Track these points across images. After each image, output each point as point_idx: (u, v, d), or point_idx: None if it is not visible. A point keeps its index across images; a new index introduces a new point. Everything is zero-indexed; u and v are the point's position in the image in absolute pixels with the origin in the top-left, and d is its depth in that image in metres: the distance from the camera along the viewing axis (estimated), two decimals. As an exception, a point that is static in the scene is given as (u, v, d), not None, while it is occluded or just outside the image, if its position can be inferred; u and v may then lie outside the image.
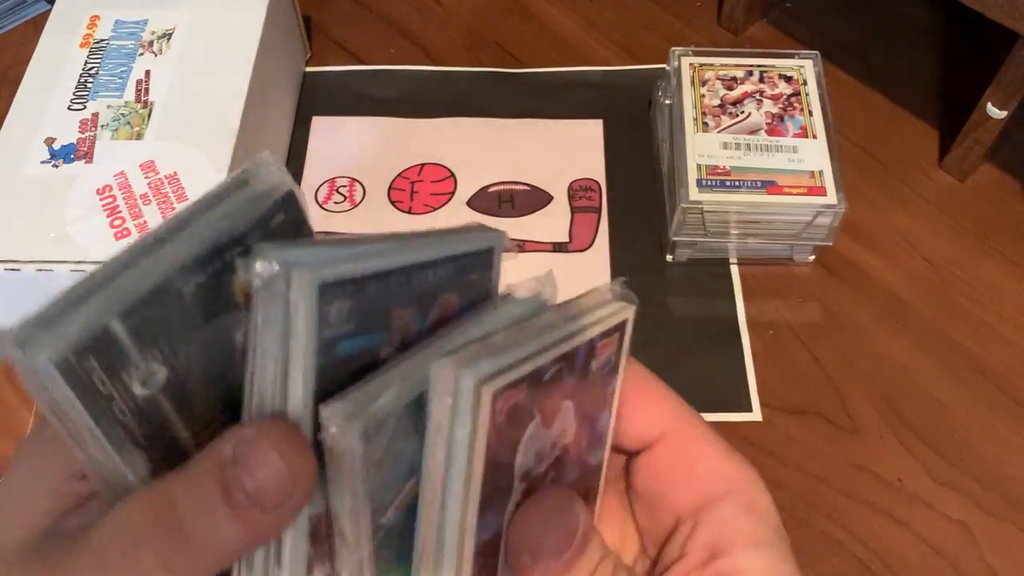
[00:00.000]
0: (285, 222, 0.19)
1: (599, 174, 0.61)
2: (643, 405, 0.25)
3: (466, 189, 0.60)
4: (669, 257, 0.57)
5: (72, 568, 0.18)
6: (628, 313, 0.24)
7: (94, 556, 0.18)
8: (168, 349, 0.18)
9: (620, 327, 0.23)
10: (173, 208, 0.48)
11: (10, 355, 0.17)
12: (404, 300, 0.20)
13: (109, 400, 0.17)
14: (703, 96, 0.57)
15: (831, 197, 0.53)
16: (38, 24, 0.57)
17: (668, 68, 0.59)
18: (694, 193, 0.53)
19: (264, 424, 0.18)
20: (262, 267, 0.18)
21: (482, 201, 0.60)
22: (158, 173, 0.49)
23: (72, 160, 0.50)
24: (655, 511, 0.25)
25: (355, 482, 0.19)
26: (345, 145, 0.62)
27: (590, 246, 0.57)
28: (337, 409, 0.18)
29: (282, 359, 0.18)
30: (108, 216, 0.48)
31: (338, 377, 0.19)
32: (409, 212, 0.59)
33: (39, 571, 0.19)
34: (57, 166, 0.50)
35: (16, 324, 0.17)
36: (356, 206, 0.59)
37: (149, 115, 0.52)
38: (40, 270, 0.46)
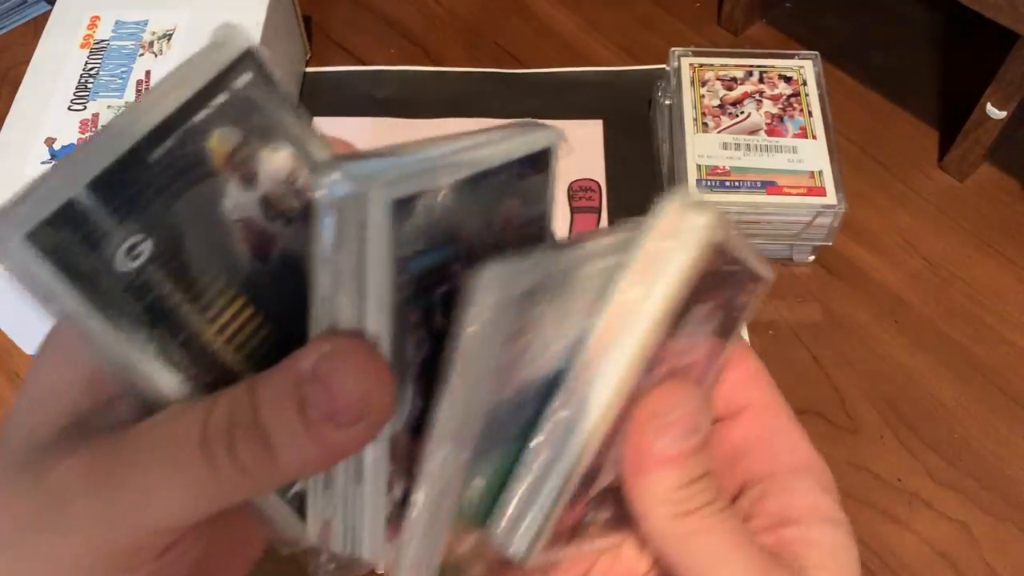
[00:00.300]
0: (253, 82, 0.19)
1: (599, 174, 0.61)
2: (740, 377, 0.26)
3: (466, 189, 0.60)
4: (669, 257, 0.57)
5: (135, 462, 0.18)
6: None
7: (160, 450, 0.18)
8: (148, 219, 0.17)
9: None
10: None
11: None
12: (470, 210, 0.20)
13: (95, 275, 0.17)
14: (703, 96, 0.57)
15: (831, 197, 0.53)
16: (38, 24, 0.57)
17: (668, 68, 0.59)
18: (694, 193, 0.53)
19: (342, 340, 0.18)
20: (330, 182, 0.17)
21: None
22: (158, 173, 0.49)
23: (72, 160, 0.50)
24: (724, 473, 0.25)
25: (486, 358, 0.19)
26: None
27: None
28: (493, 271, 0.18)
29: (357, 278, 0.18)
30: (108, 216, 0.48)
31: (412, 294, 0.19)
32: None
33: (90, 461, 0.18)
34: (57, 166, 0.50)
35: None
36: (356, 206, 0.59)
37: (149, 115, 0.52)
38: (40, 270, 0.46)
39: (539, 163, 0.22)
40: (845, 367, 0.53)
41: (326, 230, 0.18)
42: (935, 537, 0.48)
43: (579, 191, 0.60)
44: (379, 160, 0.18)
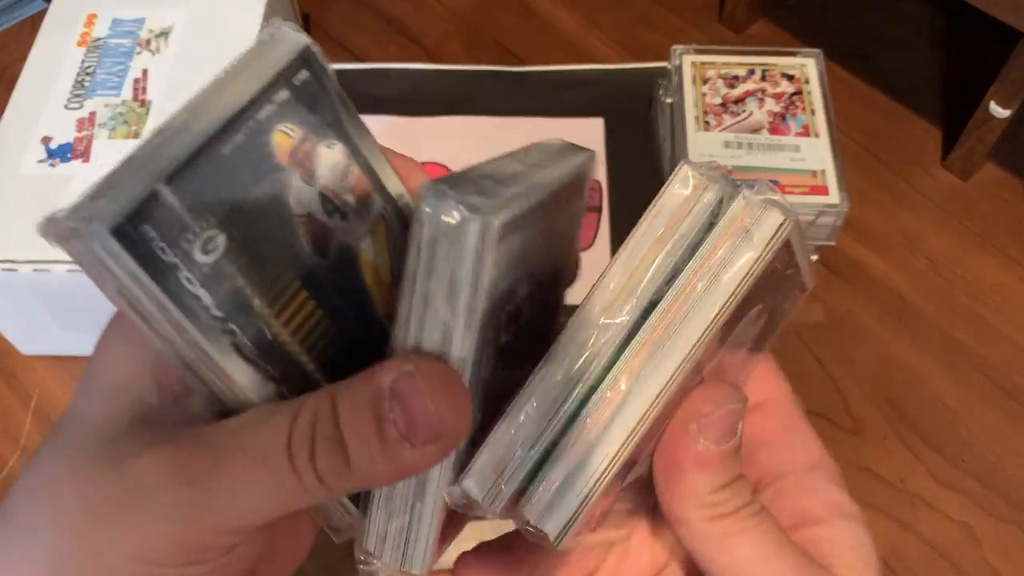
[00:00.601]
0: (310, 80, 0.19)
1: (600, 173, 0.60)
2: (756, 374, 0.26)
3: (466, 188, 0.60)
4: (670, 257, 0.57)
5: (224, 461, 0.19)
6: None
7: (248, 453, 0.19)
8: (222, 213, 0.18)
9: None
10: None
11: (64, 240, 0.17)
12: (537, 232, 0.21)
13: (175, 269, 0.17)
14: (705, 95, 0.57)
15: (833, 196, 0.52)
16: (35, 22, 0.56)
17: (669, 66, 0.59)
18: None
19: (424, 362, 0.19)
20: (435, 207, 0.18)
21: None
22: (156, 172, 0.49)
23: (69, 159, 0.50)
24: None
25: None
26: (344, 144, 0.62)
27: (591, 245, 0.57)
28: None
29: (450, 300, 0.19)
30: (105, 216, 0.47)
31: (489, 315, 0.19)
32: (409, 211, 0.59)
33: (177, 456, 0.19)
34: (54, 165, 0.49)
35: (63, 210, 0.16)
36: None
37: (147, 114, 0.51)
38: (37, 270, 0.46)
39: (579, 186, 0.24)
40: (848, 368, 0.53)
41: (425, 251, 0.18)
42: (938, 538, 0.47)
43: (580, 190, 0.59)
44: (475, 185, 0.19)
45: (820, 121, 0.55)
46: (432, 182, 0.19)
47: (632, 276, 0.21)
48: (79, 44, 0.55)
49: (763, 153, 0.54)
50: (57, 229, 0.16)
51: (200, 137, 0.17)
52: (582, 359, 0.21)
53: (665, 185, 0.22)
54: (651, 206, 0.22)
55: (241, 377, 0.19)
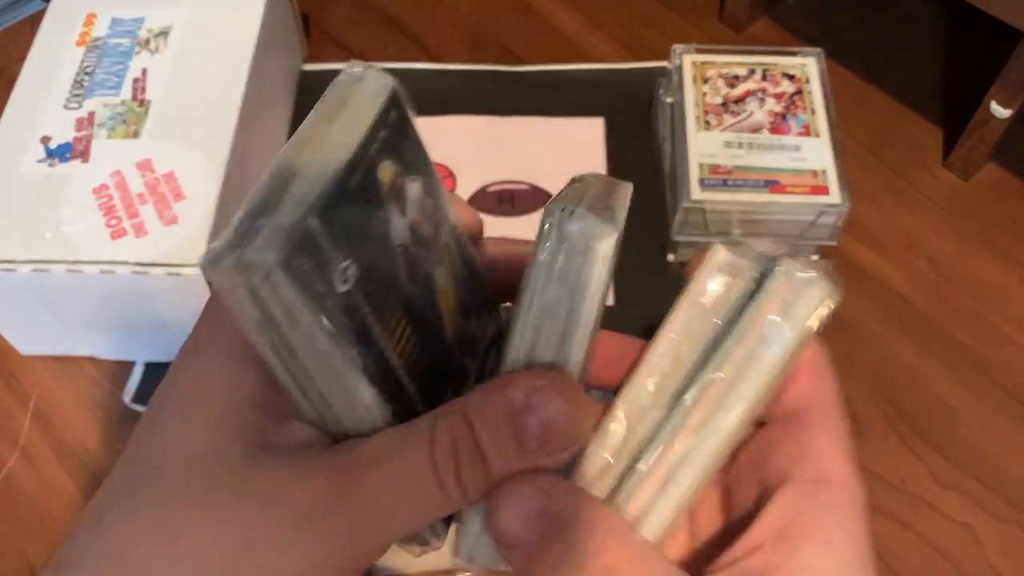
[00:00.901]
0: (398, 119, 0.21)
1: (600, 173, 0.60)
2: (807, 381, 0.25)
3: (465, 188, 0.60)
4: (671, 257, 0.57)
5: (375, 485, 0.19)
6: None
7: (397, 474, 0.19)
8: (352, 244, 0.19)
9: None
10: (170, 208, 0.47)
11: (224, 273, 0.17)
12: None
13: (324, 299, 0.18)
14: (705, 94, 0.57)
15: (834, 196, 0.52)
16: (34, 22, 0.56)
17: (670, 66, 0.59)
18: (696, 192, 0.52)
19: (553, 375, 0.20)
20: (566, 223, 0.20)
21: (481, 201, 0.59)
22: (154, 172, 0.49)
23: (68, 159, 0.49)
24: (744, 479, 0.24)
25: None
26: (344, 144, 0.62)
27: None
28: None
29: (571, 310, 0.21)
30: (104, 215, 0.47)
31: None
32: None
33: (327, 483, 0.19)
34: (53, 165, 0.49)
35: (215, 244, 0.17)
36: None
37: (146, 114, 0.51)
38: (36, 270, 0.46)
39: None
40: (848, 368, 0.53)
41: (549, 261, 0.20)
42: (939, 539, 0.47)
43: (580, 190, 0.59)
44: (590, 202, 0.21)
45: (821, 121, 0.55)
46: (557, 200, 0.21)
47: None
48: (78, 44, 0.55)
49: (763, 153, 0.54)
50: (219, 257, 0.17)
51: (334, 171, 0.18)
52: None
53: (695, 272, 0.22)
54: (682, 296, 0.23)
55: (369, 400, 0.20)
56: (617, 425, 0.22)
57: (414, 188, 0.21)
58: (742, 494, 0.24)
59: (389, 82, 0.21)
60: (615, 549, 0.21)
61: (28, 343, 0.54)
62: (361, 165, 0.19)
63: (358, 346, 0.19)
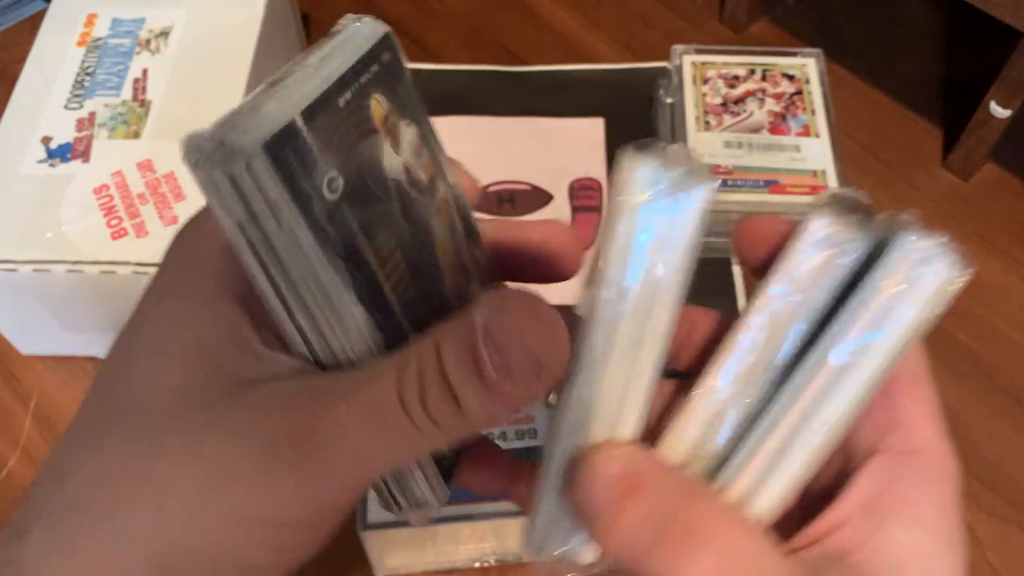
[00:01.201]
0: (392, 61, 0.21)
1: (600, 173, 0.60)
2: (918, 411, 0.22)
3: (466, 188, 0.60)
4: (670, 257, 0.57)
5: (345, 421, 0.18)
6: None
7: (366, 410, 0.18)
8: (339, 158, 0.18)
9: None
10: (170, 207, 0.47)
11: (203, 157, 0.16)
12: None
13: (310, 199, 0.17)
14: (705, 95, 0.57)
15: (834, 196, 0.52)
16: (35, 22, 0.56)
17: (670, 66, 0.59)
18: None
19: (510, 296, 0.18)
20: (645, 176, 0.20)
21: (482, 201, 0.59)
22: (155, 172, 0.49)
23: (69, 159, 0.50)
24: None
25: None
26: (344, 144, 0.62)
27: (591, 245, 0.57)
28: None
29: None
30: (105, 216, 0.47)
31: None
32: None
33: (295, 420, 0.18)
34: (54, 165, 0.49)
35: (205, 128, 0.17)
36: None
37: (146, 114, 0.51)
38: (37, 270, 0.46)
39: None
40: (848, 368, 0.53)
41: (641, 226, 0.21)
42: (939, 539, 0.47)
43: (580, 190, 0.59)
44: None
45: (820, 121, 0.55)
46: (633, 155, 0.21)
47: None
48: (79, 44, 0.55)
49: (763, 153, 0.54)
50: (199, 145, 0.17)
51: (322, 84, 0.18)
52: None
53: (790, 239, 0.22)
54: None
55: (359, 319, 0.19)
56: (709, 400, 0.21)
57: (409, 132, 0.21)
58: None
59: (383, 27, 0.21)
60: (710, 518, 0.19)
61: (29, 343, 0.54)
62: (351, 86, 0.19)
63: (346, 261, 0.18)
